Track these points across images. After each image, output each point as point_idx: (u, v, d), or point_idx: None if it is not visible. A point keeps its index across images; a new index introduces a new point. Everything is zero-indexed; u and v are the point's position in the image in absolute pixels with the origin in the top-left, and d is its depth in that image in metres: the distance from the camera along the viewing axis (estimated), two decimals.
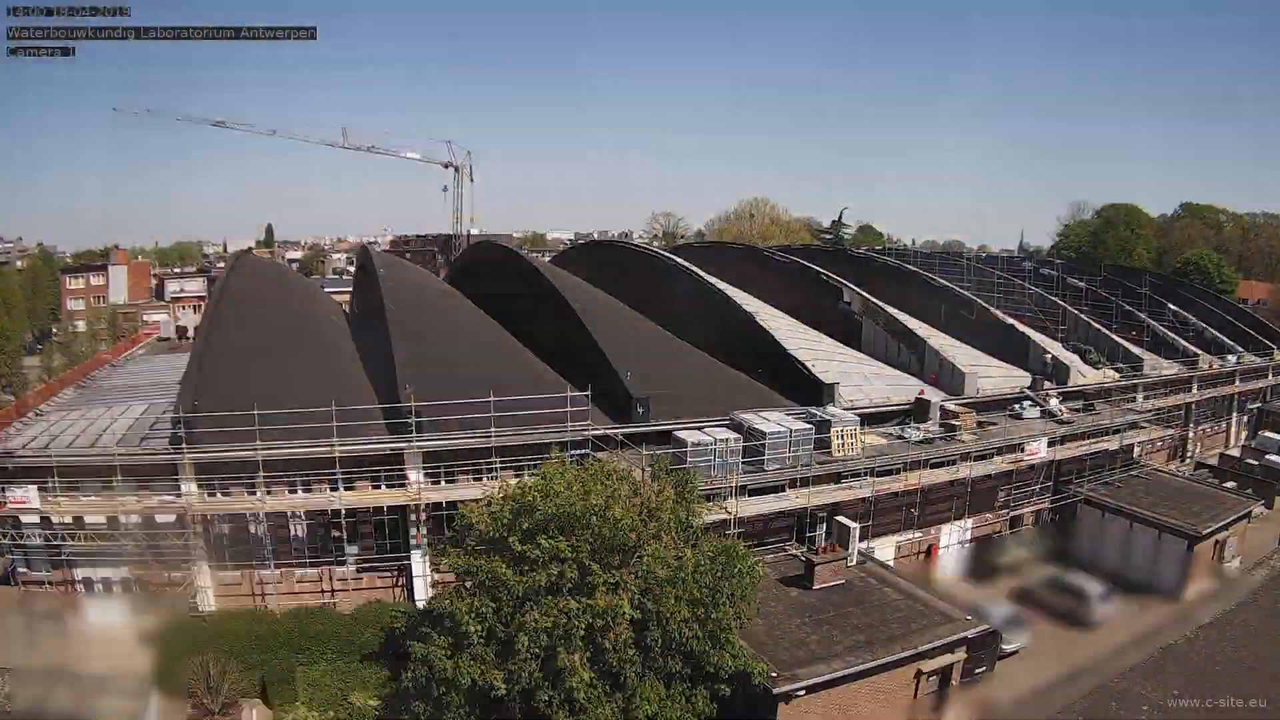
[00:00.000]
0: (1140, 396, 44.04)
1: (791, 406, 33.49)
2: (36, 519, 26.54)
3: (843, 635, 23.38)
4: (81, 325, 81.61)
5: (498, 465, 28.56)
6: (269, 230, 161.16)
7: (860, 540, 29.25)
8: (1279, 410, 52.70)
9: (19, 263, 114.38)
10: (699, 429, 30.05)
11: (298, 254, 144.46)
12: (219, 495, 27.01)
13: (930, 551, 34.35)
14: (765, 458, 29.36)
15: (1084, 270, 64.55)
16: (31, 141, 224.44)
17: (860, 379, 37.81)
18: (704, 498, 25.16)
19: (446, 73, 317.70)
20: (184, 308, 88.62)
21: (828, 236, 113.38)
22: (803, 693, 21.01)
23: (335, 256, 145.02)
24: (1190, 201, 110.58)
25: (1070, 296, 56.40)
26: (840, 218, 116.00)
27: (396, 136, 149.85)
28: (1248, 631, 27.94)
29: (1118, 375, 43.71)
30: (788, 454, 29.60)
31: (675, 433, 29.77)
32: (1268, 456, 45.37)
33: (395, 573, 29.09)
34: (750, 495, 28.82)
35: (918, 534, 33.88)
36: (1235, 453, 49.41)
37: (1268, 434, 48.91)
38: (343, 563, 28.85)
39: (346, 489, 27.65)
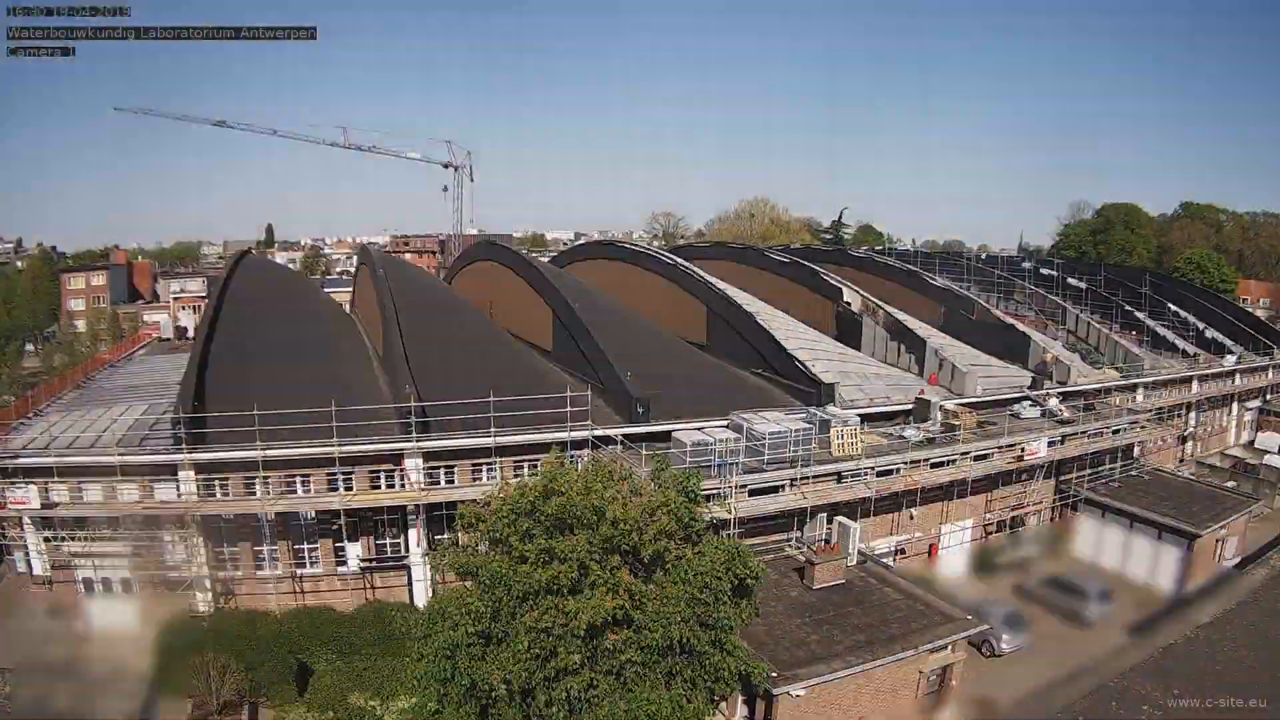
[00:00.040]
0: (1140, 396, 44.08)
1: (792, 406, 33.51)
2: (37, 519, 26.56)
3: (843, 635, 23.39)
4: (81, 325, 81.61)
5: (498, 465, 28.59)
6: (269, 230, 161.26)
7: (860, 540, 29.27)
8: (1279, 410, 52.74)
9: (19, 263, 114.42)
10: (699, 429, 30.06)
11: (298, 254, 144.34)
12: (219, 495, 27.03)
13: (930, 551, 34.37)
14: (765, 458, 29.36)
15: (1084, 270, 64.59)
16: (31, 142, 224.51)
17: (860, 379, 37.85)
18: (704, 497, 25.16)
19: (445, 73, 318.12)
20: (184, 308, 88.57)
21: (828, 236, 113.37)
22: (803, 692, 21.02)
23: (335, 256, 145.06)
24: (1190, 201, 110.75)
25: (1070, 296, 56.47)
26: (840, 218, 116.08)
27: (397, 136, 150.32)
28: (1248, 631, 27.89)
29: (1118, 375, 43.73)
30: (788, 454, 29.61)
31: (675, 432, 29.78)
32: (1268, 456, 45.38)
33: (395, 573, 29.10)
34: (750, 495, 28.82)
35: (918, 534, 33.89)
36: (1235, 452, 49.44)
37: (1268, 434, 48.90)
38: (343, 563, 28.87)
39: (347, 489, 27.69)
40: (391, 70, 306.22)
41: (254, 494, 26.94)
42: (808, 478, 29.34)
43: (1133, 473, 37.78)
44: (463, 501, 24.27)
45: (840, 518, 30.01)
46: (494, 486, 23.18)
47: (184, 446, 26.23)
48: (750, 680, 20.58)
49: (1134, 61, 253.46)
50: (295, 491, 27.57)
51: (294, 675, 24.74)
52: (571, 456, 27.83)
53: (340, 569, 28.83)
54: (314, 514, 28.12)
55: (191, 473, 26.60)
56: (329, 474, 27.36)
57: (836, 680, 21.65)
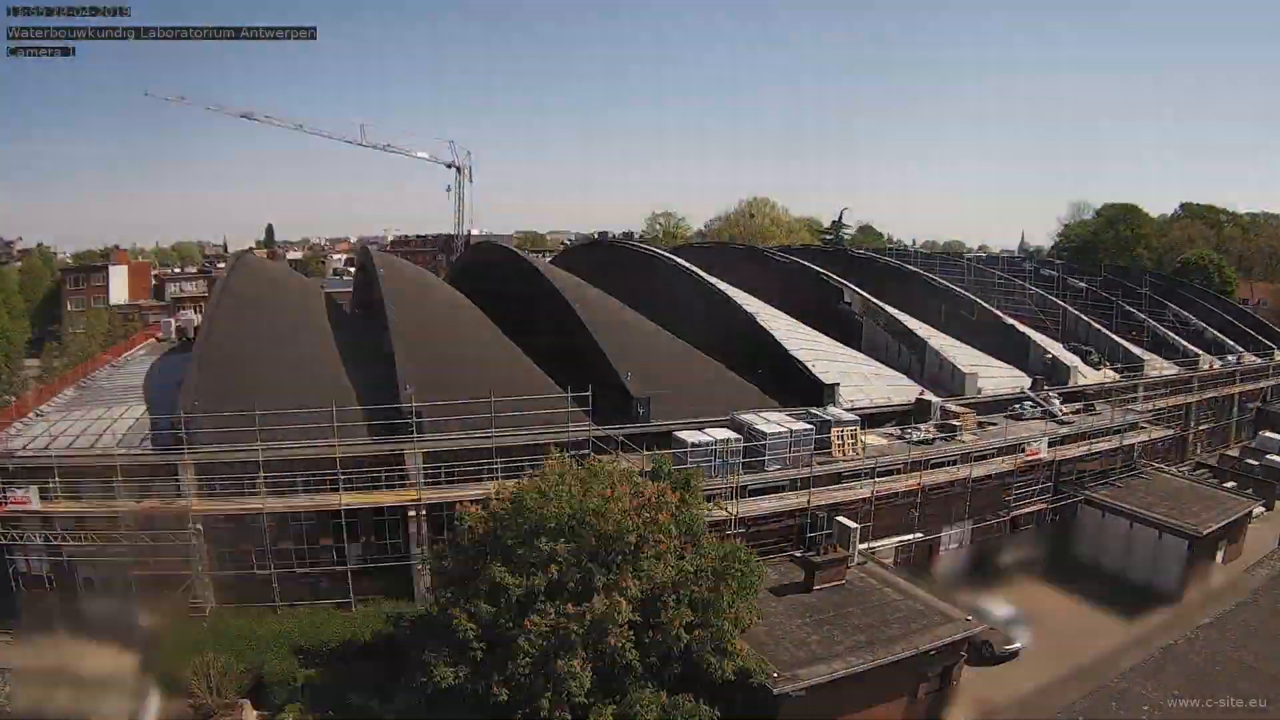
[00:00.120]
0: (1141, 397, 44.04)
1: (792, 407, 33.48)
2: (37, 519, 26.54)
3: (843, 635, 23.36)
4: (81, 326, 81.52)
5: (498, 466, 28.56)
6: (269, 230, 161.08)
7: (861, 540, 29.24)
8: (1279, 410, 52.71)
9: (19, 263, 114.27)
10: (699, 429, 30.04)
11: (298, 254, 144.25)
12: (219, 495, 27.00)
13: (931, 551, 34.33)
14: (766, 458, 29.35)
15: (1084, 270, 64.61)
16: (31, 141, 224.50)
17: (860, 379, 37.81)
18: (705, 498, 25.14)
19: (446, 73, 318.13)
20: (184, 308, 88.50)
21: (828, 237, 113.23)
22: (803, 693, 21.00)
23: (335, 256, 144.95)
24: (1190, 201, 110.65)
25: (1071, 297, 56.46)
26: (840, 218, 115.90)
27: (405, 135, 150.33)
28: (1248, 631, 27.89)
29: (1118, 375, 43.71)
30: (788, 454, 29.59)
31: (675, 433, 29.76)
32: (1268, 456, 45.34)
33: (395, 573, 29.06)
34: (750, 496, 28.83)
35: (918, 534, 33.86)
36: (1235, 453, 49.40)
37: (1268, 434, 48.87)
38: (342, 563, 28.82)
39: (347, 489, 27.65)
40: (391, 70, 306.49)
41: (254, 494, 26.90)
42: (808, 478, 29.31)
43: (1133, 473, 37.72)
44: (461, 502, 24.35)
45: (841, 518, 29.98)
46: (494, 487, 23.15)
47: (184, 446, 26.19)
48: (751, 680, 20.56)
49: (1134, 61, 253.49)
50: (295, 491, 27.54)
51: (293, 675, 24.69)
52: (571, 457, 27.78)
53: (340, 569, 28.78)
54: (314, 514, 28.08)
55: (192, 472, 26.56)
56: (329, 474, 27.32)
57: (837, 680, 21.60)
